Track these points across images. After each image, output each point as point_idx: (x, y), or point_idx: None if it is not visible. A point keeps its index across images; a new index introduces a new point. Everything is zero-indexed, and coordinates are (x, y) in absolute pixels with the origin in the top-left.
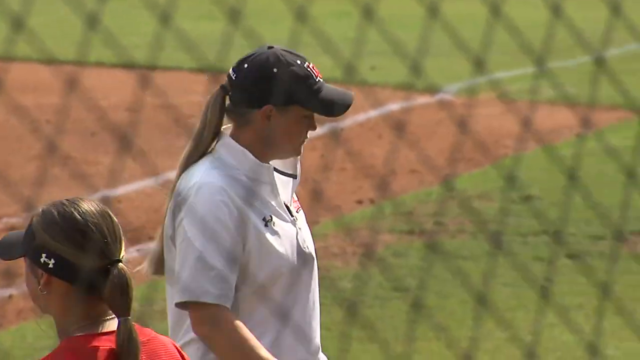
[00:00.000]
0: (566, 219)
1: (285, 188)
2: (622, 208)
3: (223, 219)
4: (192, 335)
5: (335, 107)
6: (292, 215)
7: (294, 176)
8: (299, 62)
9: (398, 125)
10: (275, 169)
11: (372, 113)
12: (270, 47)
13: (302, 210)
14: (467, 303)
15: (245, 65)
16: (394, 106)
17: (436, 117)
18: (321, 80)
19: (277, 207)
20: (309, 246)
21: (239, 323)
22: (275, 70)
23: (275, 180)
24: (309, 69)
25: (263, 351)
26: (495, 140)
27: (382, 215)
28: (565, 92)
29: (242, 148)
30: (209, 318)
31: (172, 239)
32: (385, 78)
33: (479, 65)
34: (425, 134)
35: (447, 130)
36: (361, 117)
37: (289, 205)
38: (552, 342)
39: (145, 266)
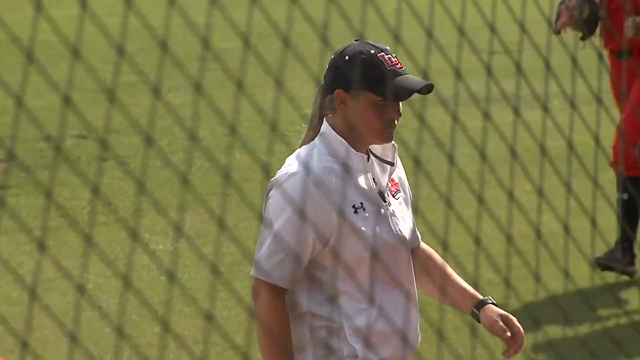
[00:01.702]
0: None
1: (382, 174)
2: None
3: (307, 208)
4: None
5: (398, 93)
6: (385, 201)
7: (391, 164)
8: (372, 51)
9: None
10: (375, 156)
11: None
12: (357, 40)
13: (402, 194)
14: None
15: (332, 56)
16: None
17: None
18: (397, 69)
19: (369, 194)
20: (402, 229)
21: (284, 308)
22: (347, 57)
23: (372, 167)
24: (381, 58)
25: (289, 340)
26: None
27: None
28: None
29: (338, 137)
30: (264, 295)
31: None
32: None
33: None
34: None
35: None
36: None
37: (383, 191)
38: None
39: None
